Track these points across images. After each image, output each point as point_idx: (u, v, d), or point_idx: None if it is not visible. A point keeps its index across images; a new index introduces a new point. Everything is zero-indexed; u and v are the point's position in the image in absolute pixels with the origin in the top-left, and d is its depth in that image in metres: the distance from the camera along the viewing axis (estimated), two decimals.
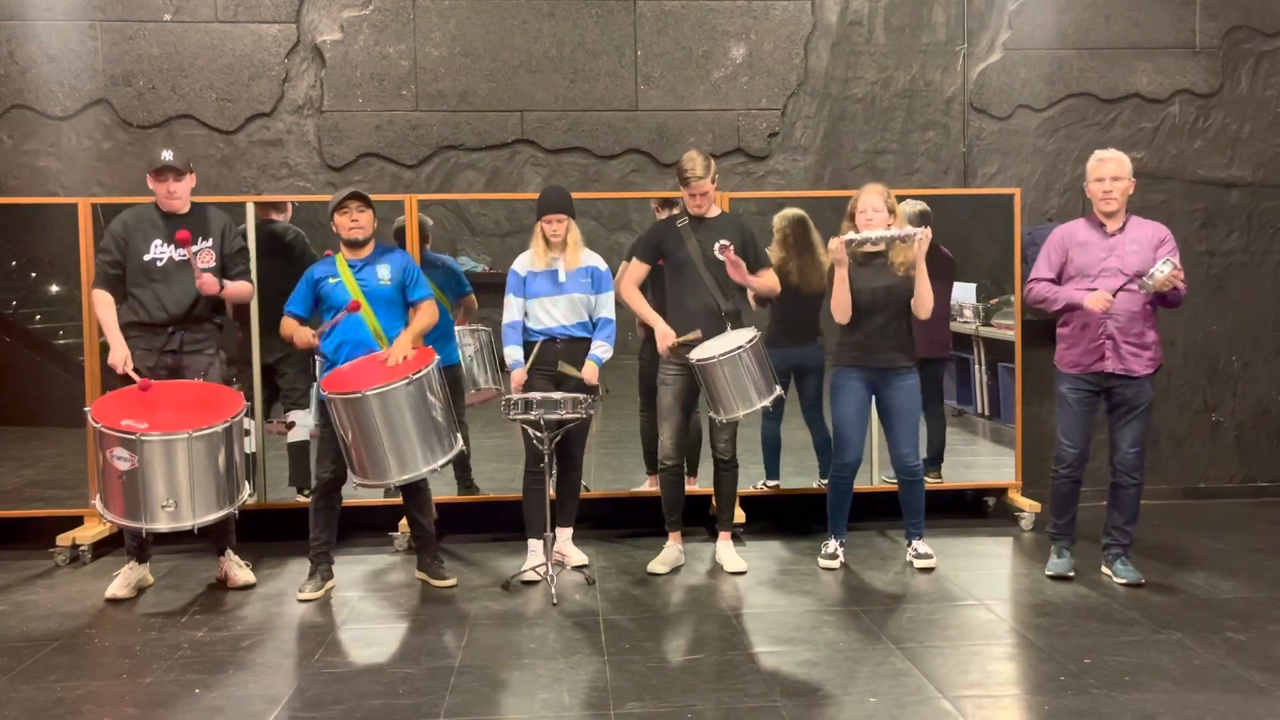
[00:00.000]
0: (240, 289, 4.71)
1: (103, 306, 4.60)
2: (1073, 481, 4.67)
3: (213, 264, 4.63)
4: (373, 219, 4.64)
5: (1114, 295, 4.39)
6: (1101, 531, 4.71)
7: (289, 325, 4.64)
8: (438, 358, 4.45)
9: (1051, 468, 4.74)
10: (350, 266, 4.62)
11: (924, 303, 4.71)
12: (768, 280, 4.93)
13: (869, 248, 4.71)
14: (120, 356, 4.48)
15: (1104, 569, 4.68)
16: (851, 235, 4.63)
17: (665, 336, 4.76)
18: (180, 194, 4.62)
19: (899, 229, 4.63)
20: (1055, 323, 4.70)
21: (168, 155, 4.58)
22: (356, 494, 4.90)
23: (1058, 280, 4.59)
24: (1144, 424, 4.55)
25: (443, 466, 4.43)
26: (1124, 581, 4.54)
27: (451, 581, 4.71)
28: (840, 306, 4.70)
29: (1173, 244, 4.52)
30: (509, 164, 5.90)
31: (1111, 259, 4.47)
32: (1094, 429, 4.66)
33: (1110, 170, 4.51)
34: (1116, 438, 4.56)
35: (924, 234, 4.56)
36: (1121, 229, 4.52)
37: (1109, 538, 4.66)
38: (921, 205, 4.86)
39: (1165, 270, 4.27)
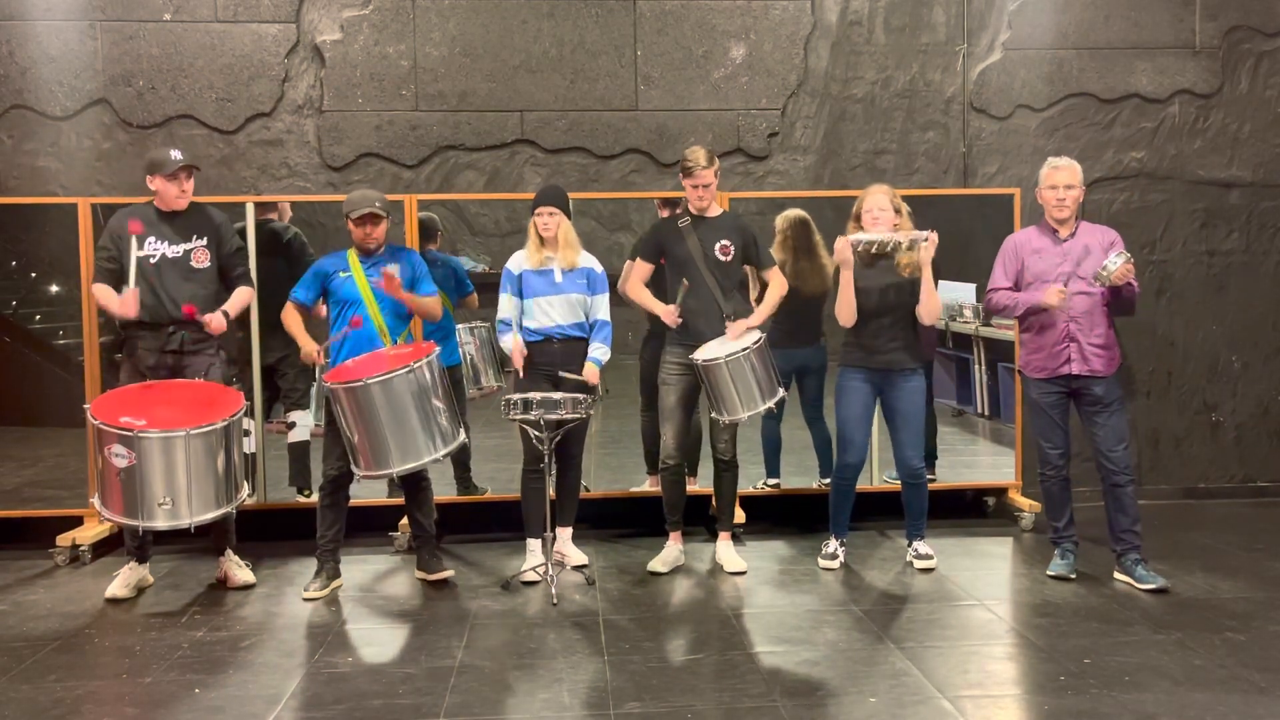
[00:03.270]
0: (240, 301, 4.73)
1: (101, 293, 4.58)
2: (1062, 480, 4.68)
3: (208, 264, 4.65)
4: (385, 233, 4.70)
5: (1071, 296, 4.45)
6: (1110, 538, 4.67)
7: (289, 314, 4.68)
8: (438, 349, 4.48)
9: (1038, 471, 4.75)
10: (362, 262, 4.65)
11: (930, 307, 4.71)
12: (773, 291, 4.89)
13: (875, 249, 4.71)
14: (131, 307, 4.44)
15: (1120, 575, 4.61)
16: (858, 236, 4.63)
17: (669, 313, 4.74)
18: (189, 192, 4.65)
19: (905, 232, 4.62)
20: None
21: (178, 155, 4.60)
22: (358, 494, 4.90)
23: (1015, 288, 4.64)
24: (1120, 420, 4.56)
25: (444, 457, 4.44)
26: (1148, 588, 4.47)
27: (449, 573, 4.71)
28: (845, 309, 4.70)
29: (1122, 246, 4.57)
30: (509, 164, 5.90)
31: (1066, 264, 4.54)
32: (1071, 425, 4.67)
33: (1064, 179, 4.56)
34: (1099, 440, 4.56)
35: (930, 238, 4.56)
36: (1073, 234, 4.59)
37: (1120, 543, 4.61)
38: (904, 206, 4.87)
39: (1118, 262, 4.35)
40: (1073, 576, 4.66)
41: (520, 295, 4.79)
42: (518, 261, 4.82)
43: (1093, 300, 4.51)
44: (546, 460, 4.59)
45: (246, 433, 4.74)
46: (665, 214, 5.46)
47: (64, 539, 5.14)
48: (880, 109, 6.06)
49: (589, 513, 5.34)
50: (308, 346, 4.60)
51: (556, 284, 4.77)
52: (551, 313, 4.76)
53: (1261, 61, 6.21)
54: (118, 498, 4.15)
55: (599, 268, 4.87)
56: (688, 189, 4.83)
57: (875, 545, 5.30)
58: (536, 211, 4.77)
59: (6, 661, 3.87)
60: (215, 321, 4.55)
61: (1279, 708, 3.34)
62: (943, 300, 5.26)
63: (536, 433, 4.51)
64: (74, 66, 5.69)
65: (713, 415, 4.76)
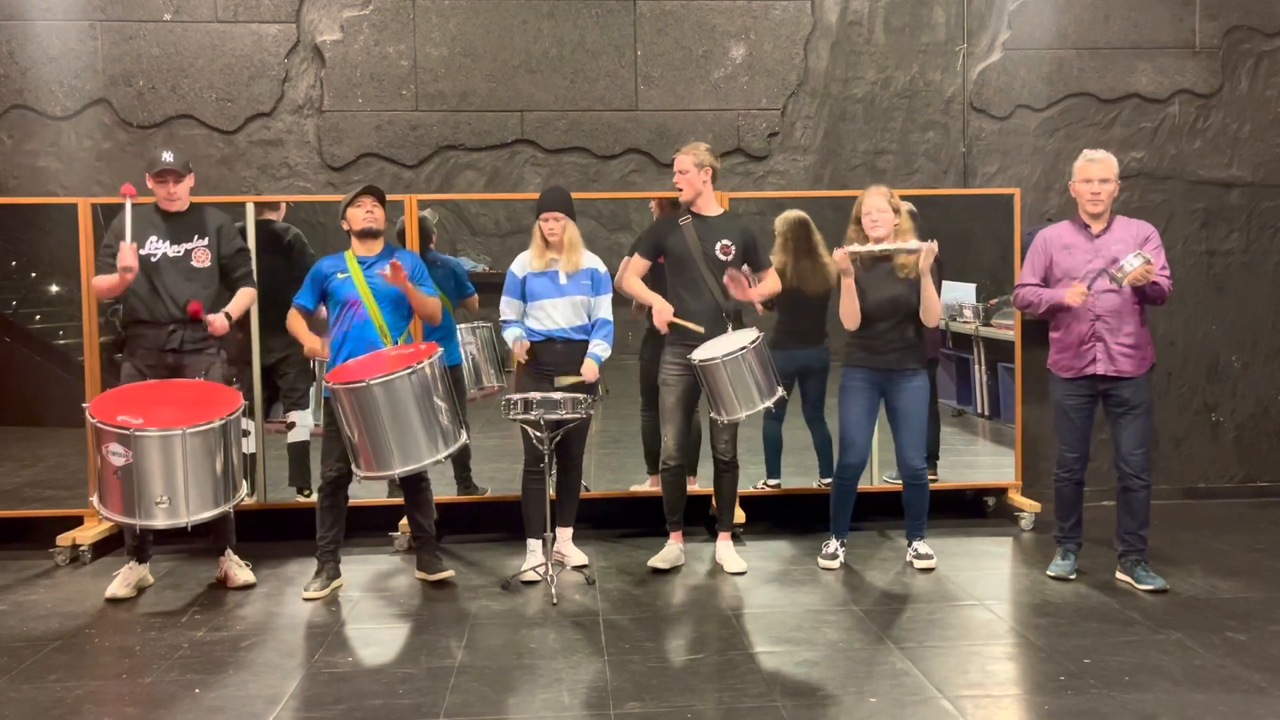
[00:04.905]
0: (243, 303, 4.73)
1: (99, 278, 4.58)
2: (1075, 483, 4.66)
3: (208, 263, 4.66)
4: (384, 216, 4.69)
5: (1093, 293, 4.37)
6: (1115, 537, 4.67)
7: (294, 319, 4.70)
8: (441, 350, 4.48)
9: (1053, 471, 4.73)
10: (360, 262, 4.64)
11: (932, 311, 4.70)
12: (768, 284, 4.93)
13: (873, 257, 4.71)
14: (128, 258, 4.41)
15: (1121, 575, 4.62)
16: (855, 247, 4.63)
17: (663, 312, 4.75)
18: (180, 195, 4.64)
19: (904, 242, 4.61)
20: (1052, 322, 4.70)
21: (168, 157, 4.61)
22: (358, 494, 4.90)
23: (1044, 285, 4.58)
24: (1145, 424, 4.51)
25: (446, 458, 4.44)
26: (1148, 588, 4.47)
27: (449, 573, 4.71)
28: (849, 314, 4.70)
29: (1158, 241, 4.48)
30: (509, 164, 5.90)
31: (1097, 260, 4.44)
32: (1092, 431, 4.65)
33: (1099, 172, 4.47)
34: (1119, 440, 4.52)
35: (929, 247, 4.54)
36: (1107, 229, 4.51)
37: (1124, 544, 4.60)
38: (908, 206, 4.86)
39: (1135, 263, 4.22)
40: (1073, 577, 4.66)
41: (524, 299, 4.80)
42: (522, 265, 4.82)
43: (1121, 298, 4.40)
44: (547, 460, 4.59)
45: (246, 433, 4.73)
46: (654, 209, 5.49)
47: (64, 539, 5.14)
48: (880, 109, 6.06)
49: (589, 513, 5.34)
50: (311, 344, 4.64)
51: (560, 286, 4.77)
52: (555, 315, 4.76)
53: (1261, 61, 6.21)
54: (116, 496, 4.15)
55: (602, 267, 4.87)
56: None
57: (875, 545, 5.30)
58: (542, 217, 4.76)
59: (6, 661, 3.87)
60: (218, 323, 4.55)
61: (1279, 708, 3.34)
62: (943, 300, 5.27)
63: (537, 433, 4.51)
64: (74, 66, 5.69)
65: (711, 415, 4.76)
